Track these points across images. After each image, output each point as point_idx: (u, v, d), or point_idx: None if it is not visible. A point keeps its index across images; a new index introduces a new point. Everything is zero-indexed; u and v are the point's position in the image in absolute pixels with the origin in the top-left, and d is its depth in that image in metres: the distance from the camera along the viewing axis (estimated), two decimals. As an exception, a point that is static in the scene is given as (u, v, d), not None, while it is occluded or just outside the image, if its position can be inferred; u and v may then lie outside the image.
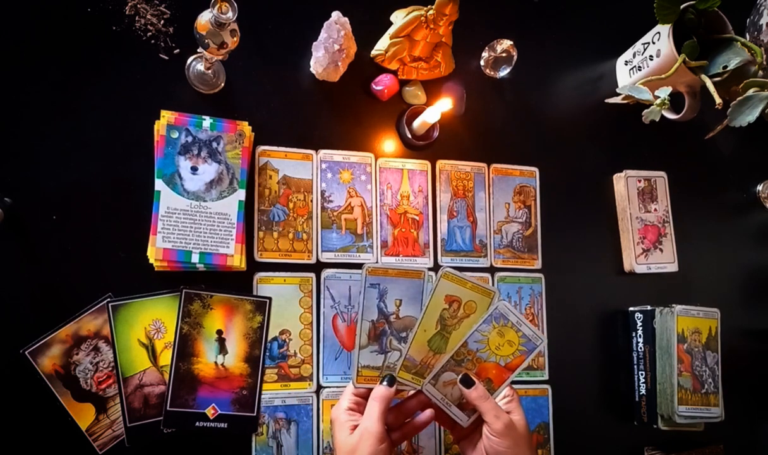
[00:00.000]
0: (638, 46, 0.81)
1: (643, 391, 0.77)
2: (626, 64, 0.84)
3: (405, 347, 0.59)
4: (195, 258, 0.63)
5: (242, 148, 0.66)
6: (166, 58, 0.67)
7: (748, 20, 0.88)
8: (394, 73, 0.74)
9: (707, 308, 0.78)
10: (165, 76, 0.67)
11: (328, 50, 0.68)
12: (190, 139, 0.64)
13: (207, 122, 0.65)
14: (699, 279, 0.85)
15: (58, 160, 0.62)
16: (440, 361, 0.59)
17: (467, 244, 0.75)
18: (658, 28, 0.76)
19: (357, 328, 0.60)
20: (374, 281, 0.61)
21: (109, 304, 0.62)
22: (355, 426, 0.56)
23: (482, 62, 0.79)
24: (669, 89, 0.70)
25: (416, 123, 0.73)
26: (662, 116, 0.73)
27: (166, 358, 0.63)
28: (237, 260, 0.64)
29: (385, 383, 0.57)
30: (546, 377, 0.76)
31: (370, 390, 0.60)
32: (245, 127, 0.66)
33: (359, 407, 0.58)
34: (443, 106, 0.68)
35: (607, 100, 0.84)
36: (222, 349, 0.64)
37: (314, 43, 0.70)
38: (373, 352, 0.60)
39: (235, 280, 0.66)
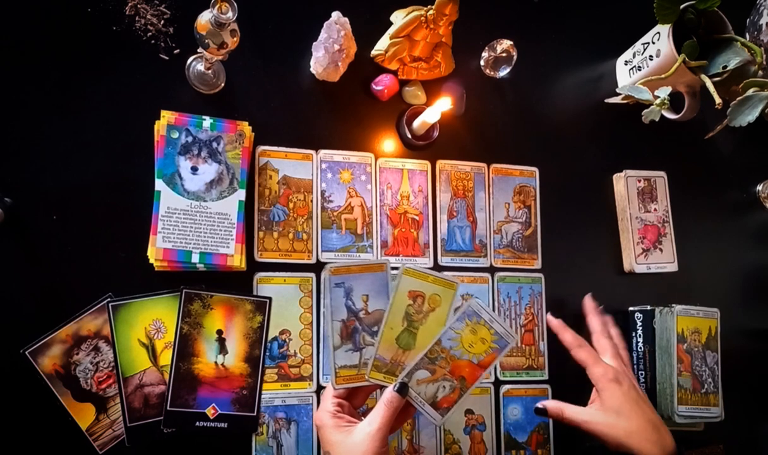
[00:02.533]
0: (638, 46, 0.81)
1: (643, 391, 0.77)
2: (626, 64, 0.84)
3: (374, 347, 0.59)
4: (195, 258, 0.63)
5: (242, 148, 0.66)
6: (166, 58, 0.67)
7: (748, 20, 0.88)
8: (394, 73, 0.74)
9: (707, 308, 0.79)
10: (165, 76, 0.67)
11: (328, 50, 0.68)
12: (190, 139, 0.64)
13: (207, 122, 0.65)
14: (699, 279, 0.85)
15: (58, 160, 0.62)
16: (413, 359, 0.59)
17: (467, 244, 0.75)
18: (658, 28, 0.76)
19: (328, 330, 0.60)
20: (338, 281, 0.60)
21: (109, 304, 0.62)
22: (348, 427, 0.55)
23: (482, 62, 0.79)
24: (669, 89, 0.70)
25: (416, 123, 0.73)
26: (662, 116, 0.73)
27: (166, 358, 0.63)
28: (237, 260, 0.64)
29: (396, 390, 0.57)
30: (546, 377, 0.76)
31: (351, 390, 0.60)
32: (245, 127, 0.66)
33: (343, 408, 0.58)
34: (443, 106, 0.68)
35: (607, 100, 0.84)
36: (222, 349, 0.65)
37: (314, 43, 0.70)
38: (347, 351, 0.60)
39: (235, 280, 0.66)
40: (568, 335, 0.71)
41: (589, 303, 0.75)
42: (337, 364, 0.59)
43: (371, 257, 0.71)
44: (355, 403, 0.61)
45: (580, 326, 0.79)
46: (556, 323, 0.73)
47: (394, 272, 0.61)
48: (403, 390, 0.57)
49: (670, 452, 0.62)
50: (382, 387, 0.59)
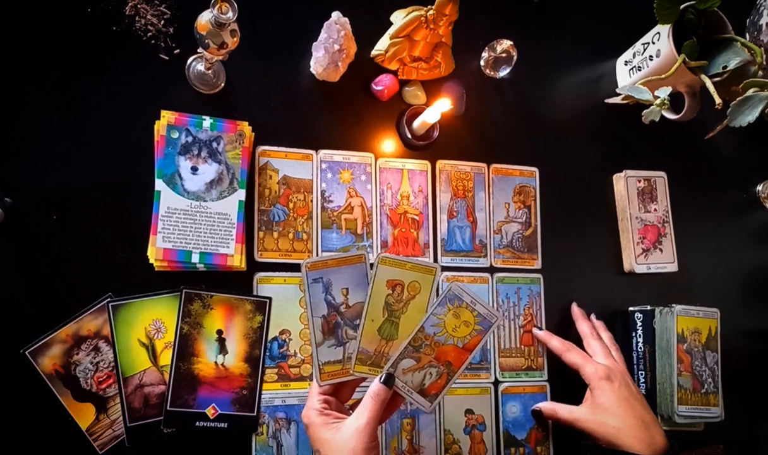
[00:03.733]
0: (638, 46, 0.81)
1: (643, 391, 0.77)
2: (626, 64, 0.84)
3: (356, 341, 0.59)
4: (195, 258, 0.63)
5: (242, 148, 0.66)
6: (166, 58, 0.67)
7: (748, 20, 0.88)
8: (394, 73, 0.74)
9: (707, 308, 0.79)
10: (165, 76, 0.67)
11: (328, 50, 0.68)
12: (190, 139, 0.64)
13: (207, 122, 0.65)
14: (699, 279, 0.85)
15: (58, 160, 0.62)
16: (397, 349, 0.58)
17: (467, 244, 0.75)
18: (658, 28, 0.76)
19: (309, 327, 0.60)
20: (316, 276, 0.60)
21: (109, 304, 0.62)
22: (336, 423, 0.55)
23: (482, 62, 0.79)
24: (669, 89, 0.70)
25: (416, 123, 0.73)
26: (662, 116, 0.73)
27: (166, 358, 0.63)
28: (237, 260, 0.64)
29: (383, 381, 0.57)
30: (545, 377, 0.76)
31: (336, 385, 0.60)
32: (245, 127, 0.66)
33: (330, 404, 0.58)
34: (443, 106, 0.68)
35: (607, 101, 0.84)
36: (222, 349, 0.65)
37: (314, 44, 0.70)
38: (330, 346, 0.60)
39: (235, 280, 0.66)
40: (555, 342, 0.74)
41: (576, 310, 0.77)
42: (320, 360, 0.59)
43: (371, 257, 0.71)
44: (342, 398, 0.61)
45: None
46: (542, 334, 0.75)
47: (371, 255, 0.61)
48: (389, 381, 0.57)
49: (659, 450, 0.63)
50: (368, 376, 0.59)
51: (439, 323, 0.58)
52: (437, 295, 0.60)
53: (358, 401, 0.57)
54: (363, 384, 0.64)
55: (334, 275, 0.60)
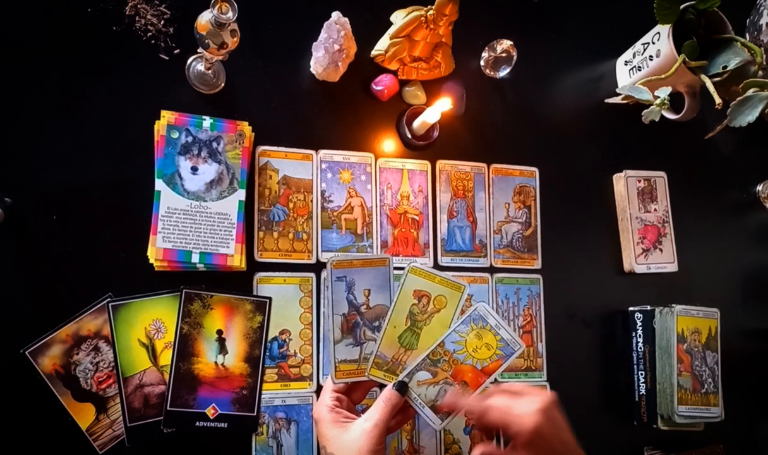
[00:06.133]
0: (638, 46, 0.81)
1: (643, 391, 0.78)
2: (626, 64, 0.84)
3: (375, 345, 0.59)
4: (195, 258, 0.63)
5: (242, 148, 0.66)
6: (166, 58, 0.67)
7: (748, 20, 0.88)
8: (394, 73, 0.74)
9: (707, 308, 0.79)
10: (165, 76, 0.67)
11: (328, 50, 0.68)
12: (190, 139, 0.64)
13: (207, 122, 0.65)
14: (699, 279, 0.85)
15: (58, 160, 0.62)
16: (415, 359, 0.58)
17: (467, 244, 0.75)
18: (658, 28, 0.76)
19: (329, 324, 0.60)
20: (340, 275, 0.60)
21: (109, 304, 0.62)
22: (345, 422, 0.55)
23: (482, 62, 0.79)
24: (669, 89, 0.70)
25: (416, 123, 0.73)
26: (662, 116, 0.73)
27: (166, 358, 0.63)
28: (237, 260, 0.64)
29: (395, 388, 0.57)
30: (545, 378, 0.76)
31: (350, 385, 0.60)
32: (245, 127, 0.66)
33: (342, 403, 0.58)
34: (443, 106, 0.68)
35: (607, 100, 0.84)
36: (222, 349, 0.65)
37: (314, 44, 0.70)
38: (348, 345, 0.60)
39: (235, 280, 0.66)
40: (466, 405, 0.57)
41: (450, 399, 0.57)
42: (337, 358, 0.59)
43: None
44: (354, 398, 0.61)
45: (578, 326, 0.79)
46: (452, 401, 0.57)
47: (398, 272, 0.61)
48: (402, 388, 0.57)
49: None
50: (382, 385, 0.59)
51: (461, 341, 0.58)
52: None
53: (370, 405, 0.57)
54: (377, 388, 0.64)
55: (357, 276, 0.61)
